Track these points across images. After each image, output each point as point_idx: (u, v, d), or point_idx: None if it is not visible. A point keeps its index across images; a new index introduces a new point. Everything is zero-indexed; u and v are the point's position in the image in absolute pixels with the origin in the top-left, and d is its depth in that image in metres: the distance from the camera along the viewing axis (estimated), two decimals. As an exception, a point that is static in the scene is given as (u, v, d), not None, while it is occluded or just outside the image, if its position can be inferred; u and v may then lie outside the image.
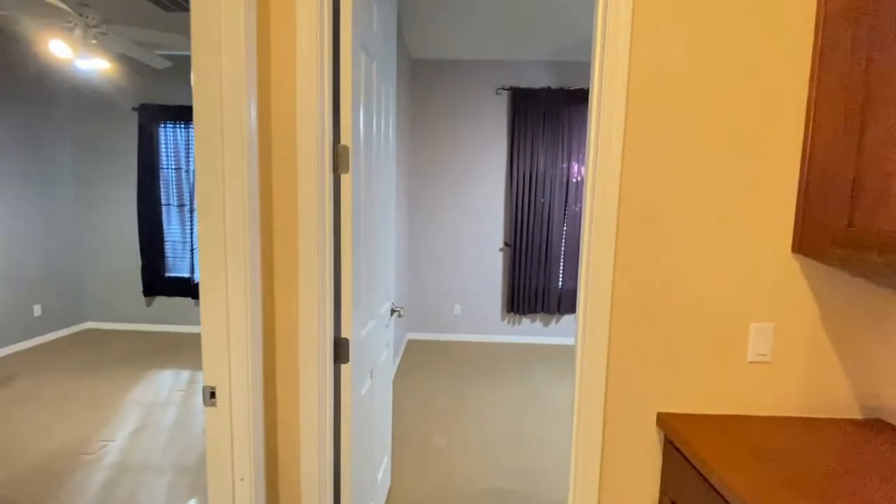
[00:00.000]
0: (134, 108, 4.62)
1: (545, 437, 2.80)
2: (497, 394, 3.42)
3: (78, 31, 2.68)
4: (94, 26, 2.70)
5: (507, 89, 4.39)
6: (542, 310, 4.52)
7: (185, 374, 3.66)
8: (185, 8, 3.21)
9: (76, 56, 2.74)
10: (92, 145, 4.69)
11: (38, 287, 4.32)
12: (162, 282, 4.82)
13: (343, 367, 1.36)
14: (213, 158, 1.03)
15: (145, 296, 4.83)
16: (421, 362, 4.05)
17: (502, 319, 4.65)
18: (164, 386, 3.43)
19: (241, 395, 1.10)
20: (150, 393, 3.30)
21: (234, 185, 1.03)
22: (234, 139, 1.03)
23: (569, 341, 4.64)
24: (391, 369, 2.15)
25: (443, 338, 4.71)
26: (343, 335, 1.35)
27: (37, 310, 4.32)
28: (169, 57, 3.69)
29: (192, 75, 1.03)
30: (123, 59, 4.53)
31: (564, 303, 4.52)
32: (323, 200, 1.22)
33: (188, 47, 1.13)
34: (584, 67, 4.37)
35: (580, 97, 4.31)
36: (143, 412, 2.99)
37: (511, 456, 2.59)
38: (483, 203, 4.54)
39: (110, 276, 4.85)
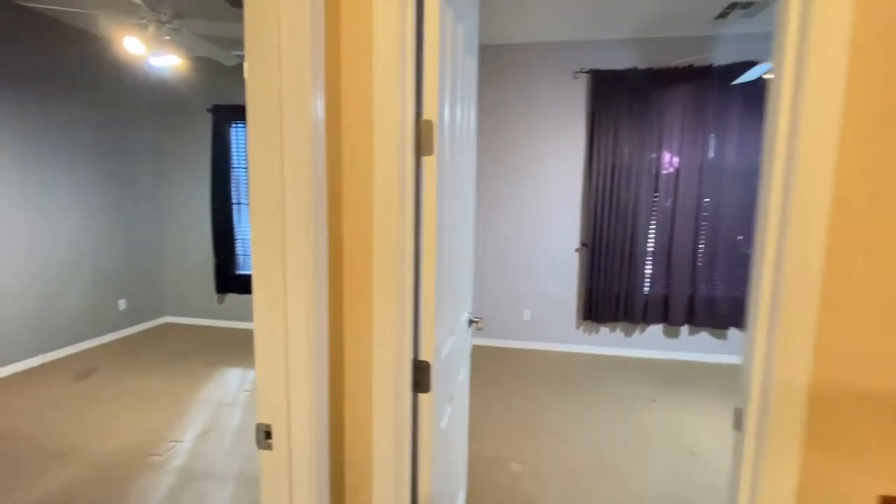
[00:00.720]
0: (208, 110, 4.73)
1: (643, 473, 2.39)
2: (578, 413, 3.04)
3: (151, 28, 2.67)
4: (167, 22, 2.67)
5: (585, 72, 3.96)
6: (625, 318, 4.04)
7: (251, 374, 3.63)
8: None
9: (149, 53, 2.73)
10: (170, 147, 4.87)
11: (123, 283, 4.54)
12: (232, 279, 4.91)
13: (422, 396, 1.10)
14: (269, 149, 0.80)
15: (217, 293, 4.94)
16: (488, 372, 3.74)
17: (577, 327, 4.22)
18: (232, 385, 3.41)
19: (303, 437, 0.86)
20: (218, 392, 3.28)
21: (295, 182, 0.80)
22: (295, 123, 0.79)
23: (656, 354, 4.12)
24: (467, 390, 1.87)
25: (510, 345, 4.38)
26: (422, 357, 1.09)
27: (121, 304, 4.54)
28: (239, 56, 3.67)
29: (246, 52, 0.81)
30: (196, 60, 4.64)
31: (651, 311, 4.01)
32: (403, 189, 0.96)
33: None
34: (677, 43, 3.84)
35: (673, 77, 3.79)
36: (210, 412, 2.95)
37: (602, 492, 2.21)
38: (557, 198, 4.14)
39: (186, 273, 5.01)
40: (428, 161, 1.04)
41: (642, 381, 3.61)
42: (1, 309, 3.44)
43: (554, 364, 3.94)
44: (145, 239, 4.82)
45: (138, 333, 4.66)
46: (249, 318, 4.96)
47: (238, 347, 4.27)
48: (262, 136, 0.84)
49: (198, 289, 5.01)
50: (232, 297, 4.98)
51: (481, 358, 4.07)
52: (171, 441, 2.58)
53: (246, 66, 0.84)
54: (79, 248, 4.05)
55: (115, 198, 4.41)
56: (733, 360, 4.02)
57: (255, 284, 0.81)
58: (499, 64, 4.11)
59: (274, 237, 0.80)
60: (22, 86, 3.50)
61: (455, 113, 1.29)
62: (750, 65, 3.67)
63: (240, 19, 3.27)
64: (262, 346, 0.81)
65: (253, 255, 0.81)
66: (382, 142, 0.95)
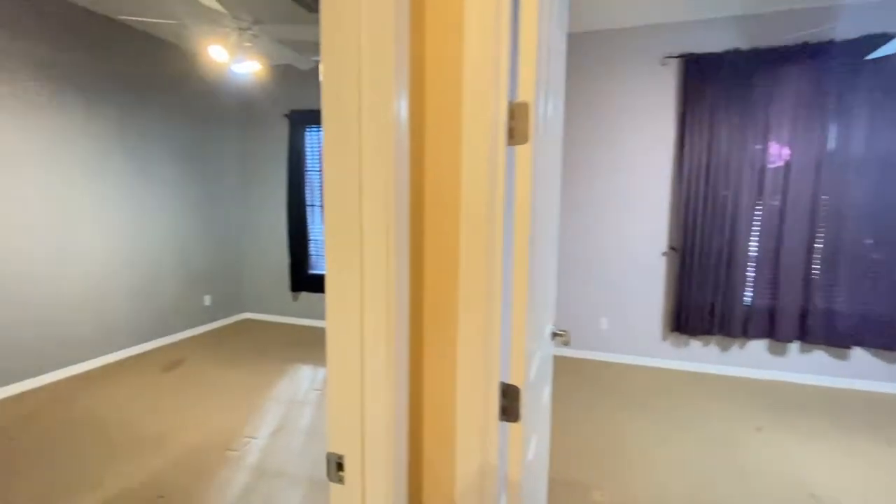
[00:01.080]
0: (285, 115, 4.92)
1: (751, 515, 2.04)
2: (666, 437, 2.71)
3: (233, 36, 2.76)
4: (247, 29, 2.75)
5: (675, 57, 3.58)
6: (720, 331, 3.59)
7: (322, 372, 3.68)
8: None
9: (232, 60, 2.83)
10: (251, 151, 5.14)
11: (208, 280, 4.84)
12: (306, 278, 5.07)
13: (510, 426, 0.94)
14: (345, 150, 0.69)
15: (292, 291, 5.13)
16: (563, 386, 3.49)
17: (664, 339, 3.82)
18: (303, 382, 3.47)
19: (378, 472, 0.73)
20: (290, 388, 3.34)
21: (374, 186, 0.68)
22: (375, 123, 0.67)
23: (758, 374, 3.62)
24: (549, 412, 1.68)
25: (585, 356, 4.07)
26: (511, 380, 0.93)
27: (207, 300, 4.84)
28: (315, 60, 3.74)
29: (322, 49, 0.70)
30: (275, 68, 4.84)
31: (753, 324, 3.52)
32: (494, 184, 0.80)
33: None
34: (788, 17, 3.33)
35: (784, 57, 3.30)
36: (283, 410, 3.00)
37: (704, 536, 1.91)
38: (641, 197, 3.78)
39: (264, 271, 5.26)
40: (521, 151, 0.88)
41: (743, 404, 3.16)
42: (104, 302, 3.77)
43: (636, 379, 3.59)
44: (228, 238, 5.11)
45: (221, 328, 4.95)
46: (321, 317, 5.08)
47: (310, 345, 4.37)
48: (338, 138, 0.73)
49: (275, 287, 5.24)
50: (306, 296, 5.14)
51: (555, 369, 3.82)
52: (246, 437, 2.64)
53: (321, 67, 0.73)
54: (170, 246, 4.37)
55: (202, 199, 4.72)
56: (858, 384, 3.42)
57: (329, 299, 0.70)
58: (574, 55, 3.84)
59: (350, 247, 0.69)
60: (121, 96, 3.82)
61: (548, 97, 1.12)
62: (883, 38, 3.10)
63: (315, 22, 3.30)
64: (336, 365, 0.70)
65: (328, 268, 0.70)
66: (471, 130, 0.80)
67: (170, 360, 3.91)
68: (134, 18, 2.42)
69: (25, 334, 3.22)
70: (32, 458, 2.39)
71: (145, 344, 4.15)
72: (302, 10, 3.27)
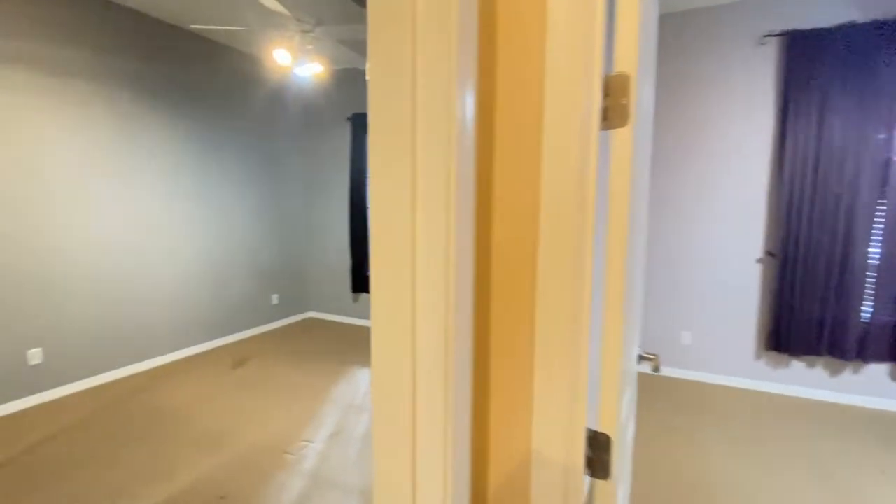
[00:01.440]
0: (347, 119, 4.98)
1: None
2: (767, 474, 2.33)
3: (296, 39, 2.77)
4: (310, 31, 2.75)
5: (776, 35, 3.12)
6: (830, 352, 3.08)
7: (379, 377, 3.63)
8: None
9: (295, 63, 2.84)
10: (315, 154, 5.26)
11: (275, 279, 5.02)
12: (365, 280, 5.09)
13: (599, 484, 0.75)
14: (396, 152, 0.55)
15: (353, 292, 5.18)
16: (641, 404, 3.16)
17: (757, 358, 3.36)
18: (361, 386, 3.44)
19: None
20: (348, 391, 3.32)
21: (430, 187, 0.53)
22: (433, 120, 0.52)
23: (878, 404, 3.05)
24: (630, 448, 1.44)
25: (663, 372, 3.69)
26: (600, 427, 0.74)
27: (274, 299, 5.01)
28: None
29: (369, 39, 0.57)
30: (338, 73, 4.90)
31: (872, 345, 2.98)
32: (584, 179, 0.62)
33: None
34: (927, -21, 2.78)
35: (919, 26, 2.75)
36: (340, 414, 2.97)
37: None
38: (734, 194, 3.34)
39: (327, 272, 5.37)
40: (617, 137, 0.69)
41: (861, 440, 2.67)
42: (182, 300, 4.00)
43: (726, 402, 3.18)
44: (294, 239, 5.27)
45: (287, 326, 5.10)
46: (379, 319, 5.09)
47: (368, 347, 4.37)
48: (386, 140, 0.59)
49: (336, 288, 5.32)
50: (365, 297, 5.17)
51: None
52: (303, 441, 2.63)
53: (368, 64, 0.60)
54: (241, 247, 4.56)
55: (270, 202, 4.89)
56: None
57: (374, 327, 0.56)
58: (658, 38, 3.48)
59: (398, 263, 0.54)
60: (194, 104, 4.03)
61: (647, 73, 0.91)
62: None
63: (375, 21, 3.25)
64: (382, 413, 0.56)
65: (372, 291, 0.56)
66: (555, 111, 0.63)
67: (239, 356, 4.07)
68: (205, 27, 2.49)
69: (116, 329, 3.47)
70: (113, 445, 2.53)
71: (218, 340, 4.36)
72: (363, 11, 3.24)
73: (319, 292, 5.46)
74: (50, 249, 3.07)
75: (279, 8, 2.35)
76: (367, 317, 5.17)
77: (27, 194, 2.95)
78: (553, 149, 0.61)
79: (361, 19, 3.29)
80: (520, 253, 0.65)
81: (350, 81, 4.88)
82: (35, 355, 3.03)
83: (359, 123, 4.88)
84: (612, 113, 0.66)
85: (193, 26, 2.57)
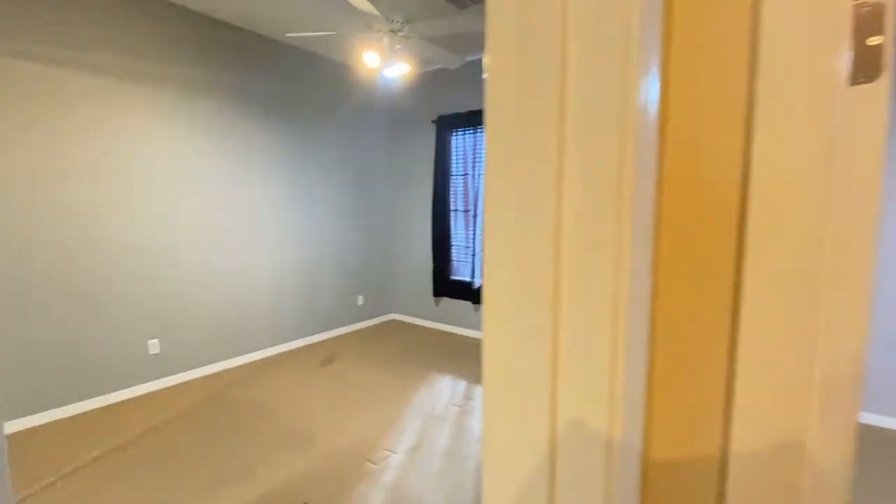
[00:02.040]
0: (432, 121, 4.94)
1: None
2: None
3: (385, 39, 2.73)
4: (399, 30, 2.69)
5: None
6: None
7: (461, 386, 3.49)
8: (478, 0, 2.97)
9: (383, 64, 2.81)
10: (399, 157, 5.31)
11: (361, 281, 5.13)
12: (447, 284, 5.01)
13: None
14: (533, 144, 0.37)
15: (434, 296, 5.13)
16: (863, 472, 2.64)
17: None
18: (443, 394, 3.32)
19: None
20: (429, 399, 3.23)
21: (595, 218, 0.35)
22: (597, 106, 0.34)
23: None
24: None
25: (874, 421, 2.86)
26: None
27: (360, 300, 5.13)
28: (468, 59, 3.58)
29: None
30: (422, 76, 4.87)
31: None
32: (828, 155, 0.40)
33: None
34: None
35: None
36: (421, 423, 2.88)
37: None
38: None
39: (410, 274, 5.38)
40: (867, 95, 0.45)
41: None
42: (278, 299, 4.21)
43: None
44: (379, 240, 5.36)
45: (370, 327, 5.19)
46: (460, 324, 4.97)
47: (449, 354, 4.26)
48: (516, 129, 0.42)
49: (418, 291, 5.31)
50: (446, 301, 5.09)
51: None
52: (385, 450, 2.56)
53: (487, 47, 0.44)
54: (331, 247, 4.72)
55: (356, 203, 5.02)
56: None
57: (487, 368, 0.39)
58: None
59: (534, 278, 0.37)
60: (287, 110, 4.23)
61: None
62: None
63: (470, 14, 3.12)
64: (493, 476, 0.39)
65: (486, 315, 0.39)
66: (774, 59, 0.41)
67: (326, 355, 4.19)
68: (299, 34, 2.53)
69: (221, 324, 3.75)
70: (210, 436, 2.68)
71: (309, 338, 4.54)
72: (452, 8, 3.14)
73: (402, 295, 5.50)
74: (166, 249, 3.38)
75: (370, 8, 2.31)
76: (447, 322, 5.09)
77: (147, 197, 3.26)
78: (773, 114, 0.40)
79: (451, 14, 3.19)
80: (710, 264, 0.44)
81: (434, 84, 4.84)
82: (154, 345, 3.34)
83: (443, 126, 4.81)
84: (868, 60, 0.42)
85: (288, 35, 2.64)
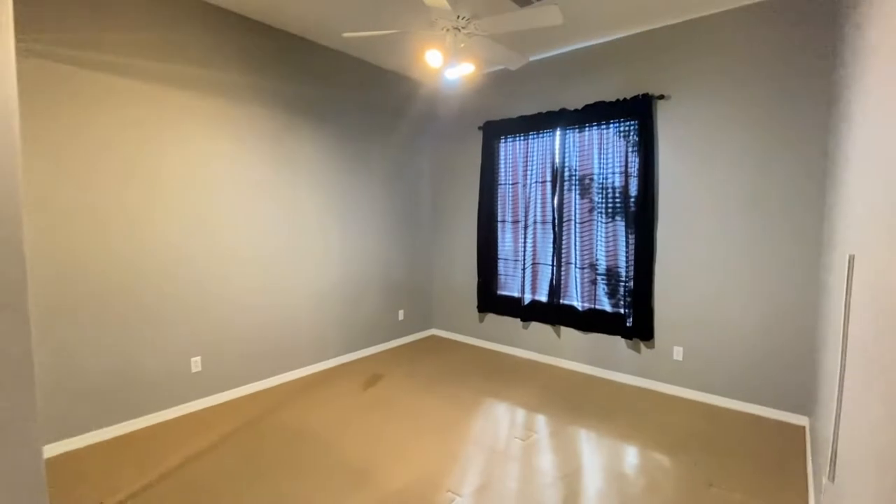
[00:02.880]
0: (479, 128, 4.70)
1: None
2: None
3: (449, 37, 2.51)
4: (464, 27, 2.47)
5: None
6: None
7: (520, 415, 3.19)
8: (542, -4, 2.72)
9: (446, 65, 2.59)
10: (442, 167, 5.08)
11: (403, 295, 4.90)
12: (493, 299, 4.73)
13: None
14: None
15: (479, 312, 4.85)
16: None
17: None
18: (501, 425, 3.03)
19: None
20: (488, 431, 2.94)
21: None
22: None
23: None
24: None
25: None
26: None
27: (401, 314, 4.90)
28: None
29: None
30: (471, 83, 4.65)
31: None
32: None
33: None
34: None
35: None
36: (483, 460, 2.59)
37: None
38: None
39: (452, 289, 5.12)
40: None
41: None
42: (322, 314, 4.02)
43: None
44: (421, 252, 5.13)
45: (411, 343, 4.95)
46: (508, 342, 4.67)
47: (501, 377, 3.96)
48: None
49: (461, 306, 5.05)
50: (492, 318, 4.80)
51: None
52: (449, 492, 2.28)
53: None
54: (374, 260, 4.52)
55: (398, 213, 4.81)
56: None
57: None
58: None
59: None
60: (337, 119, 4.07)
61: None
62: None
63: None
64: None
65: None
66: None
67: (371, 373, 3.96)
68: (356, 34, 2.34)
69: (265, 341, 3.57)
70: (253, 468, 2.46)
71: (351, 354, 4.33)
72: (514, 6, 2.90)
73: (444, 310, 5.24)
74: (209, 261, 3.23)
75: (443, 4, 2.10)
76: (493, 339, 4.79)
77: (191, 207, 3.12)
78: None
79: (516, 10, 2.95)
80: None
81: (484, 90, 4.62)
82: (196, 363, 3.18)
83: (491, 132, 4.57)
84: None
85: (345, 34, 2.45)
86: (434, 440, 2.80)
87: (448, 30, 2.48)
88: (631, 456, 2.64)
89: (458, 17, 2.39)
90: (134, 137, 2.81)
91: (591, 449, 2.72)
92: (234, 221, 3.34)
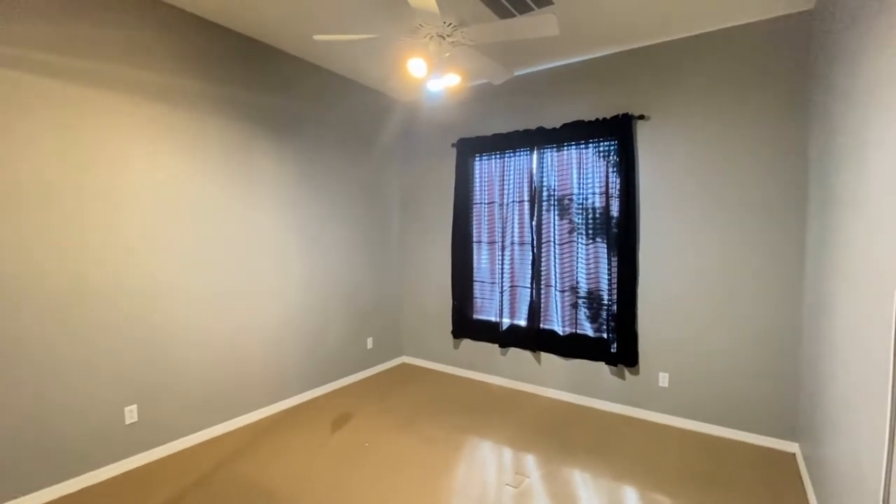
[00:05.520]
0: (452, 145, 4.51)
1: None
2: None
3: (432, 45, 2.28)
4: (449, 35, 2.25)
5: None
6: None
7: (507, 455, 2.92)
8: (530, 7, 2.58)
9: (430, 75, 2.36)
10: (413, 185, 4.83)
11: (371, 320, 4.55)
12: (469, 324, 4.47)
13: None
14: None
15: (454, 337, 4.58)
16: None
17: None
18: (488, 469, 2.75)
19: None
20: (474, 477, 2.65)
21: None
22: None
23: None
24: None
25: None
26: None
27: (369, 343, 4.54)
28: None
29: None
30: (442, 100, 4.46)
31: None
32: None
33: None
34: None
35: None
36: (474, 515, 2.30)
37: None
38: None
39: (424, 313, 4.83)
40: None
41: None
42: (280, 345, 3.60)
43: None
44: (390, 278, 4.82)
45: (381, 373, 4.59)
46: (485, 370, 4.41)
47: (481, 409, 3.68)
48: None
49: (434, 331, 4.76)
50: (467, 344, 4.54)
51: None
52: (440, 562, 1.97)
53: None
54: (338, 287, 4.16)
55: (366, 234, 4.49)
56: None
57: None
58: None
59: None
60: (296, 132, 3.75)
61: None
62: None
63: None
64: None
65: None
66: None
67: (338, 412, 3.57)
68: (327, 38, 2.08)
69: (213, 382, 3.12)
70: (208, 546, 2.04)
71: (315, 390, 3.92)
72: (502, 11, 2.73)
73: (415, 336, 4.93)
74: (143, 295, 2.78)
75: (431, 6, 1.87)
76: (469, 367, 4.52)
77: (125, 226, 2.69)
78: None
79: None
80: None
81: (453, 104, 4.44)
82: (131, 413, 2.70)
83: (466, 149, 4.38)
84: None
85: (317, 36, 2.17)
86: (414, 494, 2.47)
87: (432, 37, 2.25)
88: (632, 500, 2.43)
89: (445, 23, 2.17)
90: (54, 148, 2.37)
91: (589, 494, 2.48)
92: (174, 244, 2.91)
